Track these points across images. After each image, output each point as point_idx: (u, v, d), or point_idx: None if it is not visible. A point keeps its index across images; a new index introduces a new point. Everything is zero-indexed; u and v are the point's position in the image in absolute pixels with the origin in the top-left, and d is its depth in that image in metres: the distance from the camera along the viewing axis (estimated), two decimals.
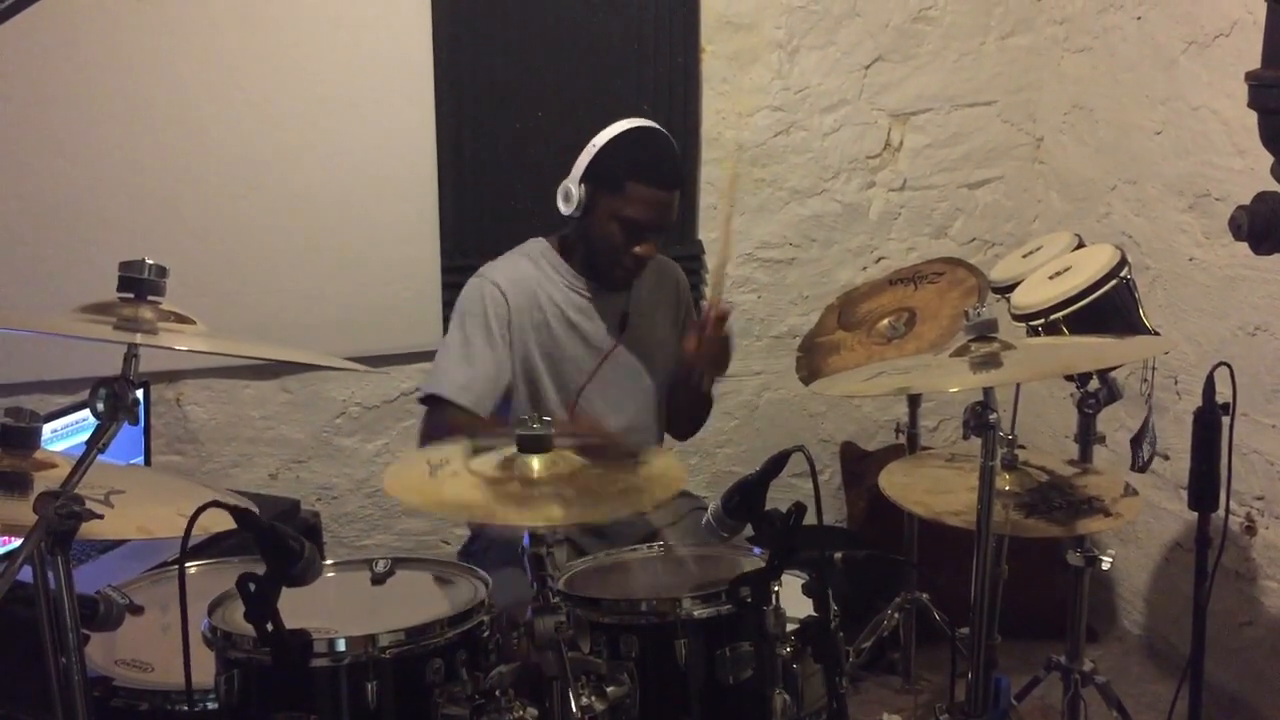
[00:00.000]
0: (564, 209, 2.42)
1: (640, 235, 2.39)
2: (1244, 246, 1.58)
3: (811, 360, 2.95)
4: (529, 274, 2.48)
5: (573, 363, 2.49)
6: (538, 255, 2.52)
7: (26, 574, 1.37)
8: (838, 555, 1.72)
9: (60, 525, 1.37)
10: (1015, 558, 2.41)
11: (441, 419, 2.36)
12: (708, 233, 3.49)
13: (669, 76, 3.37)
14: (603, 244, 2.42)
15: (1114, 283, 2.39)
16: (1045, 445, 3.55)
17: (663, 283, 2.65)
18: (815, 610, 1.69)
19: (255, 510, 1.46)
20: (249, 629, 1.43)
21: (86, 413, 1.48)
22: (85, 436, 1.46)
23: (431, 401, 2.42)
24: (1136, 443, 2.43)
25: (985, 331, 1.90)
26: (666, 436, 2.72)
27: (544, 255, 2.52)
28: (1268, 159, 1.57)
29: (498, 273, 2.48)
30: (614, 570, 1.97)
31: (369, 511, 3.40)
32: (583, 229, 2.45)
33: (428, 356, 3.29)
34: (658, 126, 2.47)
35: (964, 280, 2.85)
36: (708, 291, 2.36)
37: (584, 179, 2.39)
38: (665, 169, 2.41)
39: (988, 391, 1.85)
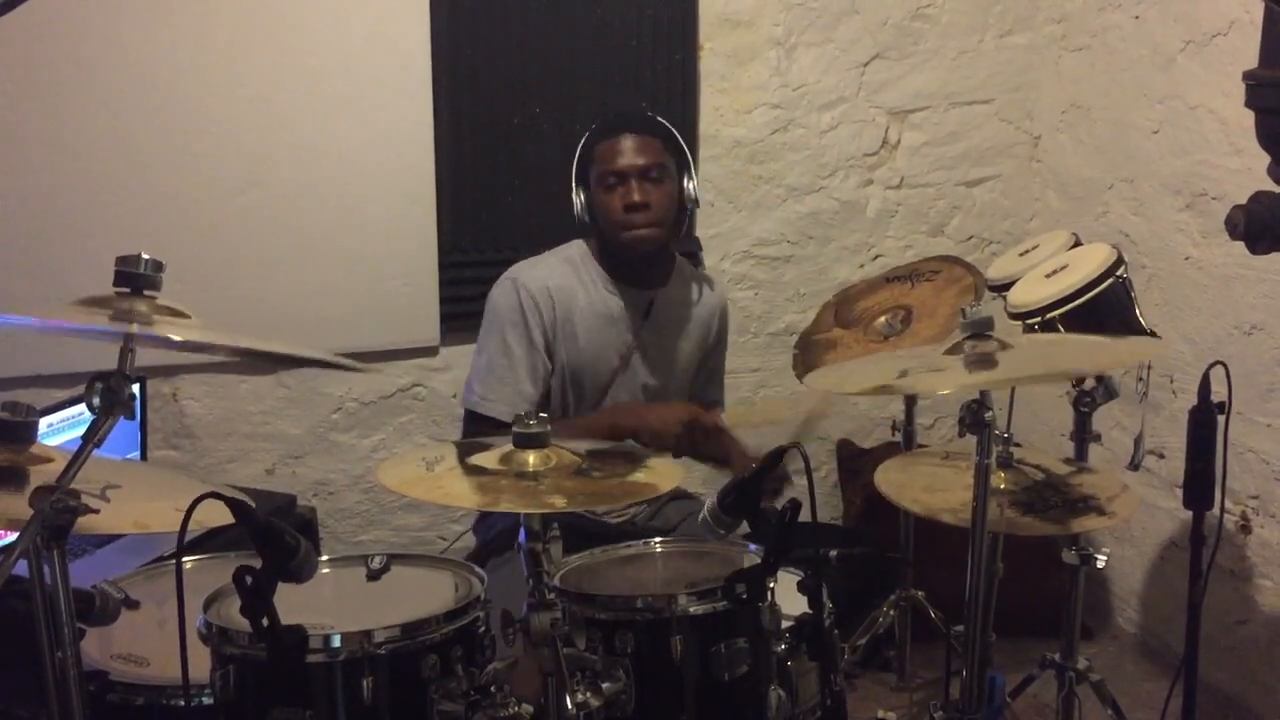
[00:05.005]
0: (579, 218, 2.50)
1: (623, 184, 2.43)
2: (1240, 246, 1.59)
3: (808, 357, 2.95)
4: (569, 281, 2.51)
5: (601, 362, 2.53)
6: (577, 260, 2.56)
7: (22, 568, 1.37)
8: (833, 552, 1.72)
9: (56, 519, 1.37)
10: (1010, 556, 2.40)
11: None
12: (705, 230, 3.50)
13: (667, 73, 3.37)
14: (606, 221, 2.46)
15: (1110, 281, 2.39)
16: (1041, 443, 3.55)
17: (700, 303, 2.67)
18: (810, 607, 1.69)
19: (251, 504, 1.46)
20: (245, 624, 1.43)
21: (82, 407, 1.47)
22: (81, 431, 1.45)
23: (475, 415, 2.46)
24: (1139, 440, 2.43)
25: (981, 329, 1.90)
26: None
27: (583, 260, 2.56)
28: (1265, 158, 1.58)
29: (540, 277, 2.50)
30: (609, 566, 1.98)
31: (365, 507, 3.40)
32: (594, 225, 2.50)
33: (425, 352, 3.32)
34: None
35: (960, 278, 2.85)
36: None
37: (575, 181, 2.49)
38: (621, 118, 2.54)
39: (983, 390, 1.85)
